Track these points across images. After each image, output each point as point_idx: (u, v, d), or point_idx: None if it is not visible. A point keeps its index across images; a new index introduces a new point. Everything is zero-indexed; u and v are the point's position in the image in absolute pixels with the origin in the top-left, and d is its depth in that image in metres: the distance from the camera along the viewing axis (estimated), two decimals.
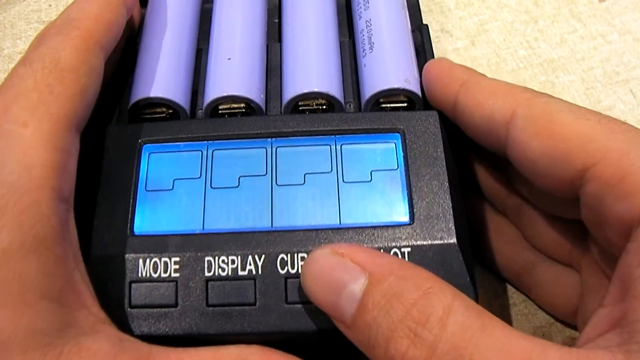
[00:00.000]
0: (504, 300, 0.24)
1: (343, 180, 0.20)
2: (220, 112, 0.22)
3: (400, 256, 0.19)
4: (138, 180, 0.20)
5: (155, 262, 0.19)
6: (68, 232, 0.17)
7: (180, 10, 0.24)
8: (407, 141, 0.20)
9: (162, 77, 0.22)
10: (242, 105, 0.22)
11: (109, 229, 0.19)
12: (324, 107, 0.22)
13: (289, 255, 0.19)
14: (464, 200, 0.21)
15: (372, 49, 0.22)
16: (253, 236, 0.19)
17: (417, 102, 0.22)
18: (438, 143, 0.20)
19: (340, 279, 0.16)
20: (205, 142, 0.21)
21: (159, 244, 0.19)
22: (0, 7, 0.34)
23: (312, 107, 0.22)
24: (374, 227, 0.19)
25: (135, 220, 0.19)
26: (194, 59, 0.24)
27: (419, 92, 0.22)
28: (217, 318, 0.18)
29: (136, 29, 0.25)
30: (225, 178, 0.20)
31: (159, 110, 0.22)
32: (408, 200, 0.19)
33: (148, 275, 0.19)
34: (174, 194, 0.20)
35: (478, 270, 0.23)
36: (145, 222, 0.19)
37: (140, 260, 0.19)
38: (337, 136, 0.20)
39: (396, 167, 0.20)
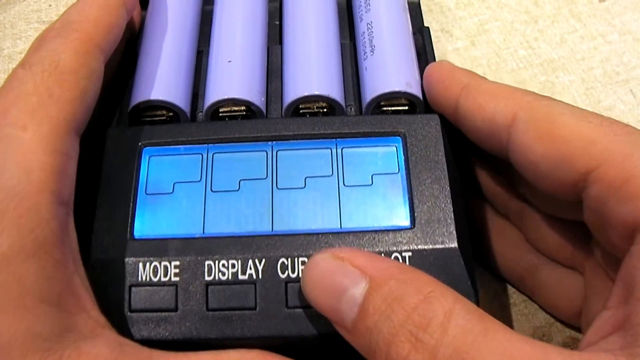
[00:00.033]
0: (504, 300, 0.24)
1: (344, 184, 0.20)
2: (220, 114, 0.22)
3: (401, 261, 0.18)
4: (138, 184, 0.20)
5: (155, 266, 0.19)
6: (68, 235, 0.17)
7: (181, 12, 0.24)
8: (408, 145, 0.20)
9: (162, 79, 0.22)
10: (243, 108, 0.22)
11: (109, 233, 0.19)
12: (325, 110, 0.22)
13: (289, 259, 0.19)
14: (465, 204, 0.21)
15: (373, 52, 0.22)
16: (253, 240, 0.19)
17: (418, 105, 0.22)
18: (439, 147, 0.20)
19: (340, 283, 0.16)
20: (206, 145, 0.20)
21: (159, 247, 0.19)
22: (0, 7, 0.34)
23: (312, 110, 0.22)
24: (375, 232, 0.19)
25: (135, 224, 0.19)
26: (194, 61, 0.24)
27: (420, 95, 0.21)
28: (218, 322, 0.18)
29: (136, 31, 0.25)
30: (225, 181, 0.20)
31: (159, 112, 0.22)
32: (409, 205, 0.19)
33: (148, 279, 0.19)
34: (174, 197, 0.20)
35: (478, 271, 0.23)
36: (145, 225, 0.19)
37: (140, 264, 0.19)
38: (337, 139, 0.20)
39: (397, 171, 0.20)
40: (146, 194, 0.20)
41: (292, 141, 0.20)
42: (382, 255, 0.18)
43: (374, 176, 0.20)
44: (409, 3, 0.25)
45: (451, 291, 0.16)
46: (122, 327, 0.18)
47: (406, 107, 0.22)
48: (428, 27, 0.24)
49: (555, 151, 0.18)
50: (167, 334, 0.18)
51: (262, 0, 0.25)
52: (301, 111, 0.22)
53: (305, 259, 0.18)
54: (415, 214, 0.19)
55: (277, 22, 0.25)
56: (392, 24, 0.23)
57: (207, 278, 0.18)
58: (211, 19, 0.25)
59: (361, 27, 0.23)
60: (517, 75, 0.30)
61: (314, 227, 0.19)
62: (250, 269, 0.18)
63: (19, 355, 0.15)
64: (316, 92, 0.21)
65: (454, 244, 0.19)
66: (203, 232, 0.19)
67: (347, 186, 0.20)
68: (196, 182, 0.20)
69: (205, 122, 0.22)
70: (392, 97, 0.21)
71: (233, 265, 0.19)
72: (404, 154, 0.20)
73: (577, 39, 0.31)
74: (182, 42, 0.23)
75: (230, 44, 0.23)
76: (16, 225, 0.16)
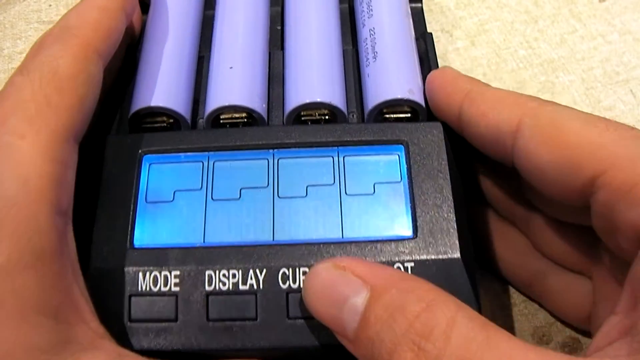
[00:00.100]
0: (504, 300, 0.23)
1: (346, 193, 0.20)
2: (221, 121, 0.22)
3: (403, 271, 0.18)
4: (138, 192, 0.20)
5: (155, 276, 0.18)
6: (66, 245, 0.17)
7: (182, 17, 0.24)
8: (410, 153, 0.20)
9: (163, 85, 0.21)
10: (244, 114, 0.21)
11: (109, 242, 0.19)
12: (327, 117, 0.22)
13: (290, 269, 0.18)
14: (469, 212, 0.20)
15: (375, 58, 0.22)
16: (254, 250, 0.19)
17: (420, 112, 0.21)
18: (442, 155, 0.20)
19: (341, 292, 0.16)
20: (207, 153, 0.20)
21: (159, 257, 0.19)
22: (0, 7, 0.34)
23: (314, 118, 0.22)
24: (377, 242, 0.19)
25: (135, 233, 0.19)
26: (195, 66, 0.23)
27: (422, 102, 0.21)
28: (218, 333, 0.18)
29: (137, 36, 0.24)
30: (226, 190, 0.20)
31: (159, 119, 0.22)
32: (411, 214, 0.19)
33: (148, 288, 0.18)
34: (174, 205, 0.20)
35: (478, 271, 0.23)
36: (145, 234, 0.19)
37: (140, 274, 0.18)
38: (339, 148, 0.20)
39: (399, 180, 0.20)
40: (146, 202, 0.20)
41: (294, 149, 0.20)
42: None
43: (376, 185, 0.20)
44: (411, 8, 0.25)
45: (453, 299, 0.15)
46: (121, 337, 0.18)
47: (409, 115, 0.21)
48: (431, 33, 0.23)
49: (561, 157, 0.17)
50: (167, 344, 0.18)
51: (264, 5, 0.25)
52: (303, 118, 0.22)
53: (307, 269, 0.18)
54: (418, 224, 0.19)
55: (279, 27, 0.25)
56: (394, 30, 0.23)
57: (207, 288, 0.18)
58: (212, 23, 0.24)
59: (363, 33, 0.23)
60: (517, 75, 0.30)
61: (315, 236, 0.19)
62: (251, 279, 0.18)
63: None
64: (318, 100, 0.21)
65: (457, 255, 0.18)
66: (203, 242, 0.19)
67: (348, 195, 0.20)
68: (197, 191, 0.20)
69: (206, 129, 0.22)
70: (394, 105, 0.21)
71: (234, 275, 0.18)
72: (406, 162, 0.20)
73: (577, 39, 0.31)
74: (183, 48, 0.23)
75: (231, 49, 0.23)
76: (14, 235, 0.16)
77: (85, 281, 0.17)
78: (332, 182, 0.20)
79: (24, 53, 0.32)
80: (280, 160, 0.20)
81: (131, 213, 0.19)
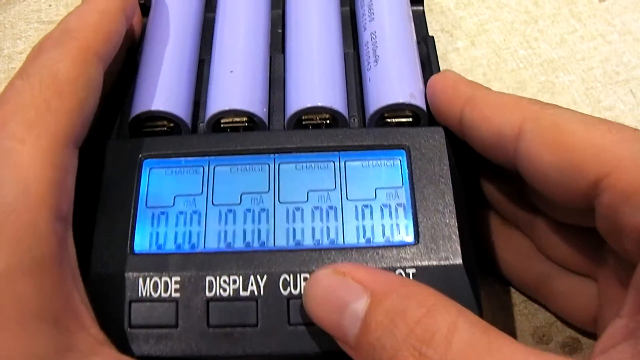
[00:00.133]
0: (504, 300, 0.23)
1: (347, 198, 0.20)
2: (222, 125, 0.21)
3: (404, 277, 0.18)
4: (138, 197, 0.20)
5: (155, 282, 0.18)
6: (66, 251, 0.17)
7: (183, 20, 0.24)
8: (412, 158, 0.20)
9: (163, 89, 0.21)
10: (245, 119, 0.21)
11: (109, 247, 0.19)
12: (328, 121, 0.21)
13: (291, 275, 0.18)
14: (471, 217, 0.20)
15: (376, 62, 0.22)
16: (255, 255, 0.19)
17: (422, 116, 0.21)
18: (444, 160, 0.20)
19: (342, 298, 0.16)
20: (207, 157, 0.20)
21: (159, 262, 0.19)
22: (0, 7, 0.34)
23: (315, 122, 0.21)
24: (379, 247, 0.19)
25: (135, 238, 0.19)
26: (196, 70, 0.23)
27: (424, 106, 0.21)
28: (218, 339, 0.18)
29: (137, 39, 0.24)
30: (226, 195, 0.20)
31: (159, 123, 0.21)
32: (413, 220, 0.19)
33: (148, 294, 0.18)
34: (174, 210, 0.20)
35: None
36: (145, 240, 0.19)
37: (140, 280, 0.18)
38: (341, 152, 0.20)
39: (401, 185, 0.20)
40: (146, 207, 0.20)
41: (295, 154, 0.20)
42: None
43: (377, 190, 0.20)
44: (413, 11, 0.24)
45: (454, 304, 0.15)
46: (121, 343, 0.18)
47: (410, 119, 0.21)
48: (432, 37, 0.23)
49: (564, 160, 0.17)
50: (167, 350, 0.18)
51: (265, 7, 0.25)
52: (304, 122, 0.21)
53: (308, 275, 0.18)
54: (420, 230, 0.19)
55: (280, 31, 0.25)
56: (396, 34, 0.23)
57: (208, 294, 0.18)
58: (213, 26, 0.24)
59: (365, 37, 0.23)
60: (517, 75, 0.30)
61: (316, 242, 0.19)
62: (252, 285, 0.18)
63: None
64: (319, 104, 0.21)
65: (459, 261, 0.18)
66: (204, 247, 0.19)
67: (350, 200, 0.20)
68: (197, 195, 0.20)
69: (206, 133, 0.22)
70: (395, 109, 0.21)
71: (234, 281, 0.18)
72: (407, 167, 0.20)
73: (577, 39, 0.31)
74: (184, 51, 0.23)
75: (232, 53, 0.22)
76: (14, 242, 0.15)
77: (85, 287, 0.17)
78: (333, 187, 0.20)
79: (24, 53, 0.32)
80: (281, 165, 0.20)
81: (131, 218, 0.19)
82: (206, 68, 0.23)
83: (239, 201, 0.20)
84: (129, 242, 0.19)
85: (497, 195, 0.23)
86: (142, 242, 0.19)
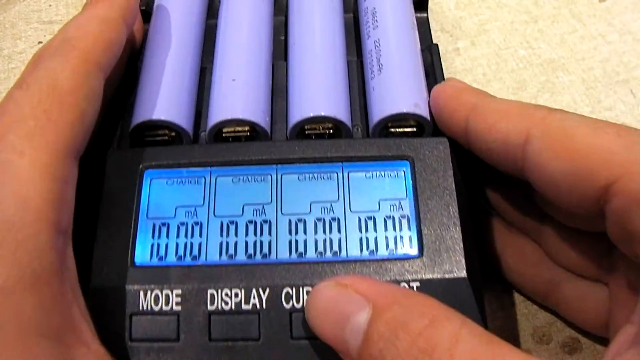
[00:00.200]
0: (504, 300, 0.23)
1: (350, 210, 0.19)
2: (224, 135, 0.21)
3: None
4: (139, 208, 0.19)
5: (156, 294, 0.18)
6: (66, 265, 0.17)
7: (184, 26, 0.23)
8: (416, 169, 0.20)
9: (165, 98, 0.21)
10: (247, 128, 0.21)
11: (109, 259, 0.19)
12: (331, 130, 0.21)
13: (294, 288, 0.18)
14: (479, 225, 0.20)
15: (380, 71, 0.22)
16: (257, 268, 0.18)
17: (426, 126, 0.21)
18: (448, 171, 0.20)
19: (344, 310, 0.16)
20: (209, 168, 0.20)
21: (160, 275, 0.18)
22: (0, 7, 0.34)
23: (318, 131, 0.21)
24: (382, 260, 0.18)
25: (136, 250, 0.19)
26: (197, 78, 0.23)
27: (428, 116, 0.21)
28: (220, 353, 0.18)
29: (138, 46, 0.24)
30: (228, 206, 0.20)
31: (161, 132, 0.21)
32: (417, 232, 0.19)
33: (149, 307, 0.18)
34: (175, 222, 0.19)
35: None
36: (146, 251, 0.19)
37: (141, 292, 0.18)
38: (344, 163, 0.20)
39: (405, 197, 0.19)
40: (147, 218, 0.19)
41: (298, 165, 0.20)
42: None
43: (381, 202, 0.19)
44: (417, 18, 0.24)
45: (457, 315, 0.15)
46: (122, 357, 0.18)
47: (414, 129, 0.21)
48: (437, 45, 0.23)
49: (573, 166, 0.17)
50: None
51: (267, 15, 0.24)
52: (307, 132, 0.21)
53: (311, 289, 0.18)
54: (424, 242, 0.19)
55: (282, 38, 0.25)
56: (400, 42, 0.22)
57: (209, 307, 0.18)
58: (215, 33, 0.24)
59: (368, 45, 0.23)
60: (517, 75, 0.30)
61: (319, 255, 0.19)
62: (254, 298, 0.18)
63: None
64: (322, 113, 0.21)
65: (463, 274, 0.18)
66: (205, 259, 0.19)
67: (353, 212, 0.19)
68: (199, 206, 0.20)
69: (208, 144, 0.21)
70: (399, 119, 0.21)
71: (236, 295, 0.18)
72: (412, 179, 0.20)
73: (577, 39, 0.31)
74: (185, 59, 0.23)
75: (234, 61, 0.22)
76: (13, 256, 0.15)
77: (85, 300, 0.17)
78: (337, 198, 0.20)
79: (24, 53, 0.32)
80: (283, 176, 0.20)
81: (132, 230, 0.19)
82: (208, 76, 0.23)
83: (241, 212, 0.19)
84: (129, 254, 0.19)
85: (504, 202, 0.22)
86: (143, 254, 0.19)
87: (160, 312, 0.18)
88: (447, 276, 0.18)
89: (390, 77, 0.21)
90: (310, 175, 0.20)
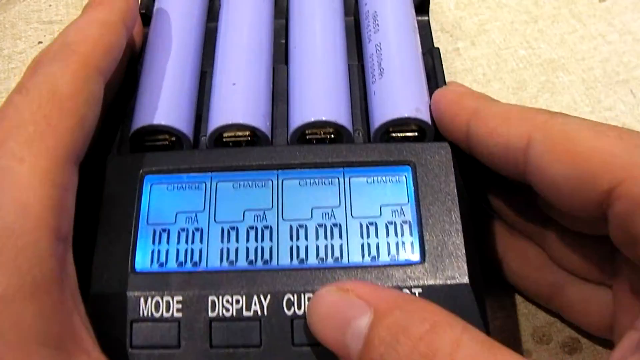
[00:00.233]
0: (504, 300, 0.23)
1: (351, 215, 0.19)
2: (224, 139, 0.21)
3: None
4: (139, 213, 0.19)
5: (157, 301, 0.18)
6: (66, 272, 0.17)
7: (184, 30, 0.23)
8: (418, 174, 0.20)
9: (165, 103, 0.21)
10: (247, 133, 0.21)
11: (109, 266, 0.19)
12: (332, 135, 0.21)
13: (295, 295, 0.18)
14: (479, 230, 0.20)
15: (382, 75, 0.22)
16: (258, 274, 0.18)
17: (428, 131, 0.21)
18: (450, 176, 0.19)
19: (345, 315, 0.16)
20: (209, 173, 0.20)
21: (161, 281, 0.18)
22: (0, 7, 0.34)
23: (319, 136, 0.21)
24: (384, 266, 0.18)
25: (136, 256, 0.19)
26: (198, 82, 0.23)
27: (429, 120, 0.21)
28: None
29: (138, 50, 0.24)
30: (229, 211, 0.19)
31: (161, 137, 0.21)
32: (419, 238, 0.19)
33: (150, 314, 0.18)
34: (176, 227, 0.19)
35: None
36: (146, 258, 0.19)
37: (142, 299, 0.18)
38: (345, 168, 0.20)
39: (407, 202, 0.19)
40: (148, 224, 0.19)
41: (299, 170, 0.20)
42: None
43: (382, 207, 0.19)
44: (418, 21, 0.24)
45: (459, 320, 0.15)
46: None
47: (416, 133, 0.21)
48: (438, 48, 0.23)
49: (575, 170, 0.17)
50: None
51: (268, 18, 0.24)
52: (308, 137, 0.21)
53: (312, 295, 0.18)
54: (426, 248, 0.18)
55: (283, 41, 0.24)
56: (401, 46, 0.22)
57: (210, 314, 0.18)
58: (215, 36, 0.24)
59: (369, 49, 0.23)
60: (517, 75, 0.30)
61: (320, 261, 0.19)
62: (255, 304, 0.18)
63: None
64: (323, 118, 0.21)
65: (466, 280, 0.18)
66: (206, 265, 0.19)
67: (354, 217, 0.19)
68: (199, 212, 0.19)
69: (209, 149, 0.21)
70: (401, 123, 0.21)
71: (237, 301, 0.18)
72: (413, 184, 0.19)
73: (577, 39, 0.31)
74: (186, 63, 0.22)
75: (234, 65, 0.22)
76: (13, 264, 0.15)
77: (85, 306, 0.17)
78: (338, 204, 0.19)
79: (24, 53, 0.32)
80: (284, 182, 0.20)
81: (132, 236, 0.19)
82: (208, 80, 0.23)
83: (242, 218, 0.19)
84: (129, 261, 0.19)
85: (506, 206, 0.22)
86: (143, 260, 0.19)
87: (161, 319, 0.18)
88: (449, 282, 0.18)
89: (392, 81, 0.21)
90: (312, 181, 0.20)
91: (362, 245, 0.19)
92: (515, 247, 0.23)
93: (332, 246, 0.19)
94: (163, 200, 0.20)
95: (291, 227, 0.19)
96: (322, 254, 0.19)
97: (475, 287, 0.18)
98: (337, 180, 0.20)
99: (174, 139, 0.21)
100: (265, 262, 0.19)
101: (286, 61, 0.24)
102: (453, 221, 0.19)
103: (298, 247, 0.19)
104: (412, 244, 0.19)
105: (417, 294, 0.18)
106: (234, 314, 0.18)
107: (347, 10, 0.25)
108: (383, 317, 0.15)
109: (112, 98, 0.22)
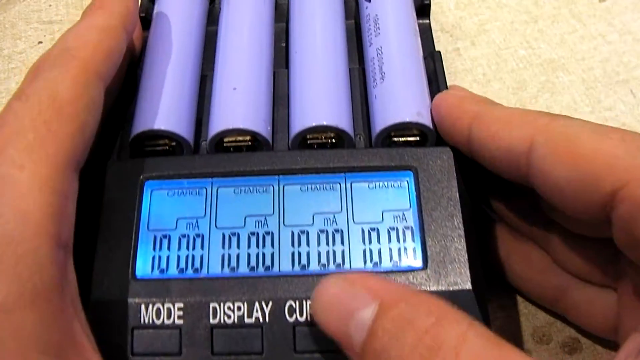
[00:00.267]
0: (504, 301, 0.23)
1: (353, 221, 0.19)
2: (225, 144, 0.21)
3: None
4: (140, 219, 0.19)
5: (158, 308, 0.18)
6: (67, 280, 0.16)
7: (184, 34, 0.23)
8: (419, 180, 0.19)
9: (165, 107, 0.21)
10: (248, 138, 0.21)
11: (110, 272, 0.18)
12: (333, 140, 0.21)
13: (297, 302, 0.18)
14: (481, 234, 0.20)
15: (383, 79, 0.21)
16: (259, 281, 0.18)
17: (429, 135, 0.21)
18: (452, 182, 0.19)
19: (350, 305, 0.16)
20: (210, 179, 0.20)
21: (161, 288, 0.18)
22: (0, 7, 0.34)
23: (320, 141, 0.21)
24: (386, 272, 0.18)
25: (137, 263, 0.19)
26: (198, 86, 0.23)
27: (431, 125, 0.21)
28: None
29: (137, 54, 0.24)
30: (230, 217, 0.19)
31: (161, 142, 0.21)
32: (421, 244, 0.19)
33: (151, 321, 0.18)
34: (177, 234, 0.19)
35: None
36: (147, 264, 0.19)
37: (143, 306, 0.18)
38: (347, 174, 0.20)
39: (409, 207, 0.19)
40: (148, 230, 0.19)
41: (300, 175, 0.20)
42: None
43: (384, 213, 0.19)
44: (419, 24, 0.24)
45: (464, 316, 0.15)
46: None
47: (417, 138, 0.21)
48: (439, 52, 0.23)
49: (578, 172, 0.17)
50: None
51: (268, 21, 0.24)
52: (309, 141, 0.21)
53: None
54: (428, 254, 0.18)
55: (284, 45, 0.24)
56: (402, 50, 0.22)
57: (212, 321, 0.18)
58: (215, 40, 0.24)
59: (370, 52, 0.23)
60: (517, 75, 0.30)
61: (322, 267, 0.19)
62: (257, 311, 0.18)
63: None
64: (324, 123, 0.20)
65: (468, 286, 0.18)
66: (207, 272, 0.19)
67: (356, 223, 0.19)
68: (200, 218, 0.19)
69: (209, 154, 0.21)
70: (402, 128, 0.21)
71: (239, 308, 0.18)
72: (415, 189, 0.19)
73: (577, 39, 0.31)
74: (186, 67, 0.22)
75: (235, 69, 0.22)
76: (13, 272, 0.15)
77: (86, 313, 0.17)
78: (340, 209, 0.19)
79: (24, 53, 0.32)
80: (285, 187, 0.20)
81: (133, 242, 0.19)
82: (208, 84, 0.23)
83: (243, 224, 0.19)
84: (130, 267, 0.19)
85: (509, 209, 0.22)
86: (144, 266, 0.19)
87: (162, 326, 0.18)
88: (451, 288, 0.18)
89: (393, 85, 0.21)
90: (313, 186, 0.20)
91: (364, 251, 0.19)
92: (518, 250, 0.22)
93: (334, 252, 0.19)
94: (163, 206, 0.20)
95: (292, 233, 0.19)
96: (323, 260, 0.19)
97: (477, 292, 0.18)
98: (338, 185, 0.20)
99: (174, 144, 0.21)
100: (267, 268, 0.19)
101: (287, 65, 0.24)
102: (455, 227, 0.19)
103: (300, 253, 0.19)
104: (414, 250, 0.19)
105: None
106: (236, 320, 0.18)
107: (348, 13, 0.25)
108: (388, 309, 0.15)
109: (111, 103, 0.22)
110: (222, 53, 0.23)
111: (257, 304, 0.18)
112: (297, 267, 0.19)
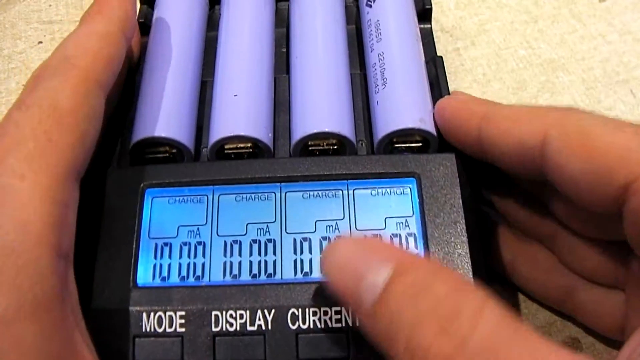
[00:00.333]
0: (504, 301, 0.23)
1: (356, 228, 0.19)
2: (226, 151, 0.21)
3: None
4: (140, 227, 0.19)
5: (159, 316, 0.18)
6: (67, 290, 0.16)
7: (184, 39, 0.23)
8: (422, 186, 0.19)
9: (165, 114, 0.21)
10: (249, 144, 0.21)
11: (110, 280, 0.18)
12: (335, 146, 0.21)
13: (299, 309, 0.18)
14: (485, 236, 0.20)
15: (385, 85, 0.21)
16: (262, 289, 0.18)
17: (432, 141, 0.21)
18: (455, 188, 0.19)
19: (362, 267, 0.15)
20: (211, 186, 0.20)
21: (163, 296, 0.18)
22: (0, 7, 0.34)
23: (322, 147, 0.21)
24: None
25: (138, 271, 0.18)
26: (198, 93, 0.23)
27: (434, 131, 0.21)
28: None
29: (136, 60, 0.24)
30: (232, 225, 0.19)
31: (161, 149, 0.21)
32: (424, 250, 0.19)
33: (152, 329, 0.18)
34: (178, 241, 0.19)
35: None
36: (148, 272, 0.19)
37: (144, 314, 0.18)
38: (349, 181, 0.20)
39: (412, 214, 0.19)
40: (149, 238, 0.19)
41: (302, 182, 0.20)
42: None
43: (387, 219, 0.19)
44: (420, 29, 0.24)
45: (482, 290, 0.15)
46: None
47: (420, 144, 0.21)
48: (441, 57, 0.23)
49: (592, 165, 0.17)
50: None
51: (269, 26, 0.24)
52: (310, 148, 0.21)
53: (317, 309, 0.18)
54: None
55: (284, 50, 0.24)
56: (404, 55, 0.22)
57: (214, 329, 0.18)
58: (215, 46, 0.24)
59: (372, 58, 0.23)
60: (517, 75, 0.30)
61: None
62: (259, 319, 0.18)
63: None
64: (326, 129, 0.20)
65: None
66: (209, 280, 0.18)
67: (359, 230, 0.19)
68: (201, 226, 0.19)
69: (210, 161, 0.21)
70: (405, 134, 0.21)
71: (241, 316, 0.18)
72: (418, 196, 0.19)
73: (577, 39, 0.31)
74: (186, 73, 0.22)
75: (235, 75, 0.22)
76: (13, 283, 0.15)
77: (87, 322, 0.17)
78: (342, 216, 0.19)
79: (24, 53, 0.32)
80: (287, 194, 0.20)
81: (133, 250, 0.19)
82: (209, 90, 0.23)
83: (245, 232, 0.19)
84: (131, 275, 0.18)
85: (516, 211, 0.22)
86: (145, 274, 0.19)
87: (164, 334, 0.18)
88: None
89: (395, 91, 0.21)
90: (315, 193, 0.20)
91: None
92: (524, 251, 0.22)
93: None
94: (164, 213, 0.19)
95: (295, 241, 0.19)
96: None
97: None
98: (340, 192, 0.20)
99: (174, 151, 0.21)
100: (269, 275, 0.18)
101: (288, 71, 0.23)
102: (458, 233, 0.19)
103: (302, 261, 0.19)
104: None
105: None
106: (238, 328, 0.18)
107: (349, 18, 0.25)
108: (406, 272, 0.15)
109: (111, 111, 0.22)
110: (222, 59, 0.23)
111: (259, 312, 0.18)
112: (299, 275, 0.18)
